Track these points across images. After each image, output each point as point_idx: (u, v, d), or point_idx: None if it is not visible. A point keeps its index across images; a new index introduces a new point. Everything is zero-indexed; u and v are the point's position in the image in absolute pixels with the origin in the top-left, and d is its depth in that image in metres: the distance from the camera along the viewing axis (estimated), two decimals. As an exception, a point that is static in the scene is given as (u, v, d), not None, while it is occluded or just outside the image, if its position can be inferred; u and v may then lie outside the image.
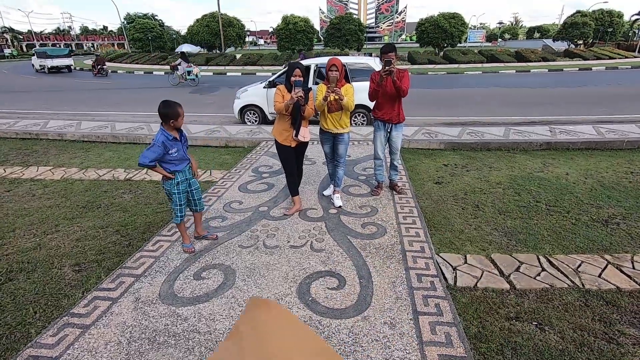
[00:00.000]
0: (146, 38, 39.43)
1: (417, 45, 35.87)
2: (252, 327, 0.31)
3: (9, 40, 68.20)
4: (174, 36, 47.18)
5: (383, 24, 49.31)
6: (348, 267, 2.72)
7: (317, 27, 44.14)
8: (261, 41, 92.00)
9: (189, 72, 15.36)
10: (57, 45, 67.78)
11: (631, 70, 20.58)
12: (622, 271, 2.70)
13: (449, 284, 2.58)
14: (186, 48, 19.46)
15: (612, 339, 2.10)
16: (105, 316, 2.26)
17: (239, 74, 22.64)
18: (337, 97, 3.29)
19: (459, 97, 12.05)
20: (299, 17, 32.44)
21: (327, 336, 2.07)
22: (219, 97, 12.76)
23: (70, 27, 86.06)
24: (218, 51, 34.75)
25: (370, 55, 19.93)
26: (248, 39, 63.97)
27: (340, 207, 3.74)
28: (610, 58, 26.23)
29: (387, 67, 3.42)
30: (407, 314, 2.22)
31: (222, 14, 33.43)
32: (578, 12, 37.81)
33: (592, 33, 35.60)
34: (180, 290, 2.51)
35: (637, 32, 47.71)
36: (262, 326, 0.31)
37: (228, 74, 22.97)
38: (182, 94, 13.82)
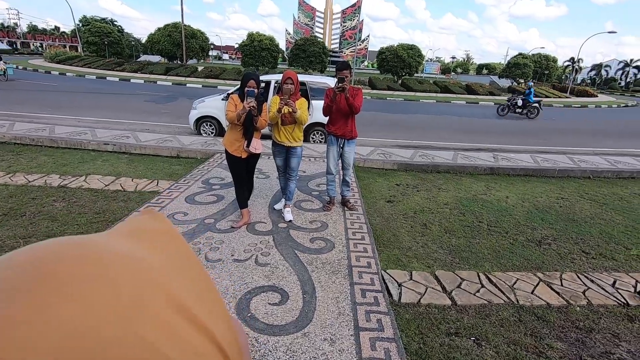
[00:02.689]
0: (102, 42, 37.71)
1: (378, 72, 37.56)
2: (130, 231, 0.25)
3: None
4: (133, 43, 45.54)
5: (347, 49, 51.16)
6: (292, 282, 2.63)
7: (282, 47, 44.79)
8: (226, 56, 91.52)
9: None
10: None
11: (563, 109, 22.94)
12: (552, 288, 2.86)
13: (394, 300, 2.57)
14: None
15: (541, 352, 2.18)
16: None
17: (200, 86, 22.14)
18: (290, 109, 3.28)
19: (414, 122, 12.62)
20: (265, 35, 32.83)
21: (263, 354, 1.95)
22: (175, 107, 12.34)
23: (16, 24, 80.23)
24: (179, 62, 33.94)
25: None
26: (212, 52, 63.32)
27: (290, 221, 3.66)
28: (546, 97, 29.04)
29: (340, 84, 3.48)
30: (349, 329, 2.17)
31: (185, 25, 32.93)
32: (520, 54, 41.95)
33: (531, 73, 39.58)
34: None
35: (568, 76, 53.79)
36: (142, 234, 0.25)
37: (188, 85, 22.39)
38: (136, 103, 13.20)
